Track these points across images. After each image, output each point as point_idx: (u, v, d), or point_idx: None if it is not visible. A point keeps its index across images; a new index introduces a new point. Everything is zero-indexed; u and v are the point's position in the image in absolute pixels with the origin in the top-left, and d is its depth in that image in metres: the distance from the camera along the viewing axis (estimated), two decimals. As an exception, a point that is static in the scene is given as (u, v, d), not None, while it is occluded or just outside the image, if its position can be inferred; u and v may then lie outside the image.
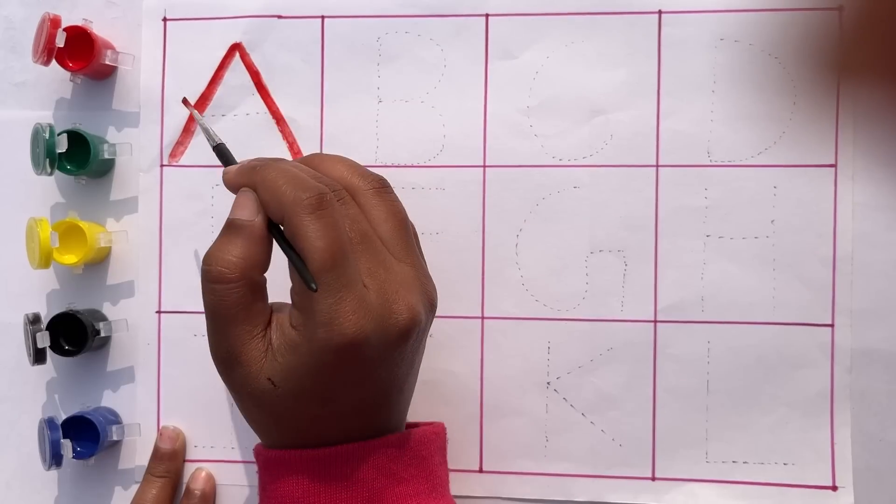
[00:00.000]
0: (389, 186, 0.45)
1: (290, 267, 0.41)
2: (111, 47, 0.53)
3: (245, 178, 0.43)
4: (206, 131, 0.48)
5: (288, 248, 0.41)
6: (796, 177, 0.50)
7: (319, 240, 0.39)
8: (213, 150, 0.47)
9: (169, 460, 0.52)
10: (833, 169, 0.50)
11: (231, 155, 0.47)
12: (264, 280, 0.42)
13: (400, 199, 0.45)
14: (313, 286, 0.39)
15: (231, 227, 0.42)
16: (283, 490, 0.42)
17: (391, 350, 0.41)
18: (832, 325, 0.50)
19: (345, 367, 0.40)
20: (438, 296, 0.50)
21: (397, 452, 0.43)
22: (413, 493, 0.43)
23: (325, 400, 0.41)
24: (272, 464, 0.43)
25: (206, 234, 0.53)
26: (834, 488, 0.50)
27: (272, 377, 0.41)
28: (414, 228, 0.46)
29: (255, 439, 0.49)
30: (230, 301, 0.41)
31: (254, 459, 0.46)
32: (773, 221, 0.51)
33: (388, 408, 0.44)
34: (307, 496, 0.42)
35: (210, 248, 0.42)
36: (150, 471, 0.52)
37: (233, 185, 0.44)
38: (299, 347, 0.40)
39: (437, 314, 0.52)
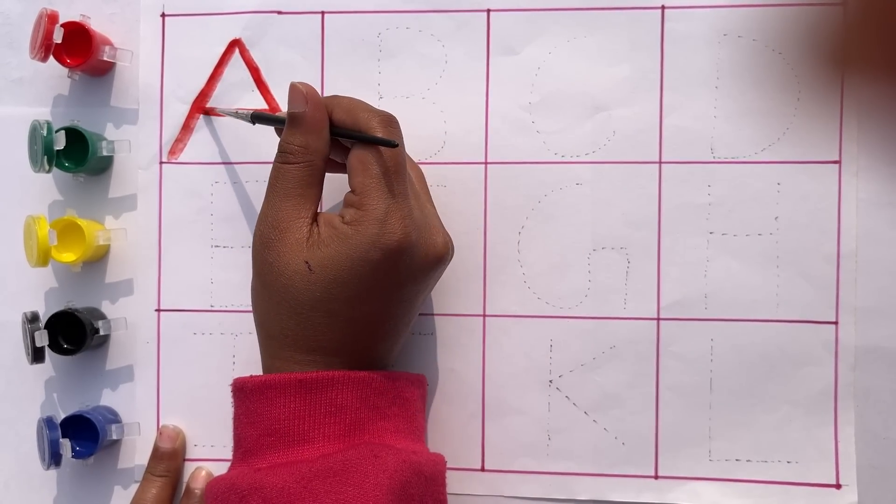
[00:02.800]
0: (394, 123, 0.48)
1: (349, 172, 0.44)
2: (109, 43, 0.53)
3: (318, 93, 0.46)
4: (233, 113, 0.51)
5: (358, 133, 0.44)
6: (800, 173, 0.50)
7: (401, 151, 0.44)
8: (253, 120, 0.49)
9: (169, 459, 0.52)
10: (837, 165, 0.50)
11: (268, 114, 0.50)
12: (323, 167, 0.45)
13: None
14: (395, 143, 0.43)
15: (291, 119, 0.45)
16: (270, 413, 0.43)
17: (423, 270, 0.45)
18: (836, 323, 0.50)
19: (382, 269, 0.43)
20: (439, 294, 0.50)
21: (382, 388, 0.45)
22: (394, 430, 0.45)
23: (350, 299, 0.43)
24: (259, 388, 0.44)
25: (206, 231, 0.53)
26: (837, 486, 0.50)
27: (310, 261, 0.43)
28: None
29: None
30: (289, 176, 0.44)
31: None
32: (776, 218, 0.50)
33: (387, 339, 0.46)
34: (293, 418, 0.43)
35: (282, 135, 0.46)
36: (149, 470, 0.52)
37: (302, 94, 0.45)
38: (349, 239, 0.43)
39: (438, 312, 0.53)
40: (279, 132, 0.47)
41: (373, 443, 0.43)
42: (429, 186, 0.51)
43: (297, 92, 0.45)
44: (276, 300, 0.44)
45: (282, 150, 0.45)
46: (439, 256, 0.45)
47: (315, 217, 0.45)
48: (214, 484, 0.44)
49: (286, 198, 0.44)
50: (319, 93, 0.46)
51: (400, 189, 0.44)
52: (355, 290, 0.43)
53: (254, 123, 0.49)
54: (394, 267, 0.43)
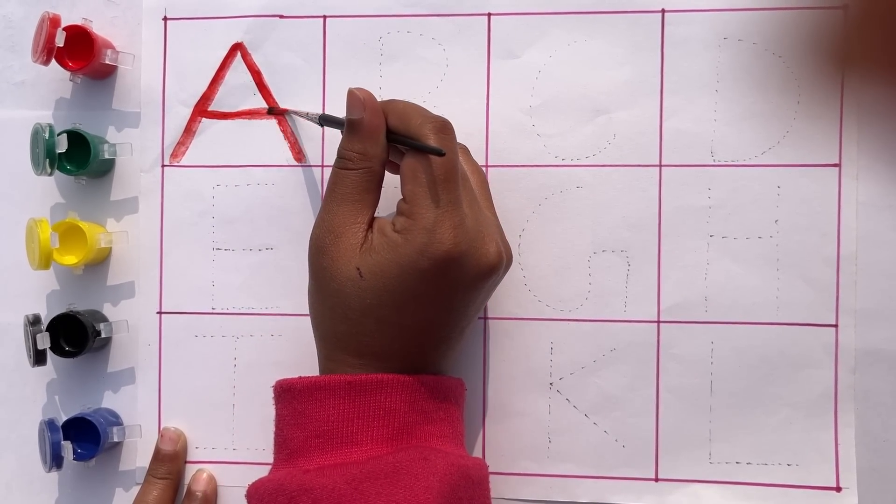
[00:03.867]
0: (468, 151, 0.50)
1: (401, 179, 0.44)
2: (111, 47, 0.53)
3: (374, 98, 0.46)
4: (304, 115, 0.51)
5: (408, 139, 0.44)
6: (800, 176, 0.50)
7: (453, 157, 0.43)
8: (321, 122, 0.50)
9: (170, 462, 0.52)
10: (837, 168, 0.50)
11: (335, 117, 0.49)
12: (381, 172, 0.45)
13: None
14: (442, 151, 0.43)
15: (349, 125, 0.45)
16: (319, 414, 0.43)
17: (475, 280, 0.44)
18: (836, 326, 0.50)
19: (431, 278, 0.43)
20: None
21: (430, 393, 0.45)
22: (440, 434, 0.45)
23: (400, 306, 0.43)
24: (308, 389, 0.44)
25: (207, 234, 0.53)
26: (838, 489, 0.50)
27: (361, 268, 0.43)
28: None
29: (255, 440, 0.49)
30: (347, 182, 0.44)
31: (266, 461, 0.45)
32: (776, 221, 0.50)
33: (439, 345, 0.46)
34: (342, 420, 0.43)
35: (341, 141, 0.45)
36: (151, 472, 0.52)
37: (360, 100, 0.45)
38: (399, 248, 0.43)
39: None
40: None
41: (422, 446, 0.43)
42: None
43: (355, 98, 0.45)
44: (328, 304, 0.44)
45: (340, 156, 0.45)
46: (491, 266, 0.44)
47: (371, 223, 0.45)
48: (259, 486, 0.44)
49: (343, 203, 0.44)
50: (376, 98, 0.45)
51: (450, 197, 0.43)
52: (404, 297, 0.43)
53: (322, 125, 0.50)
54: (443, 276, 0.43)
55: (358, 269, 0.43)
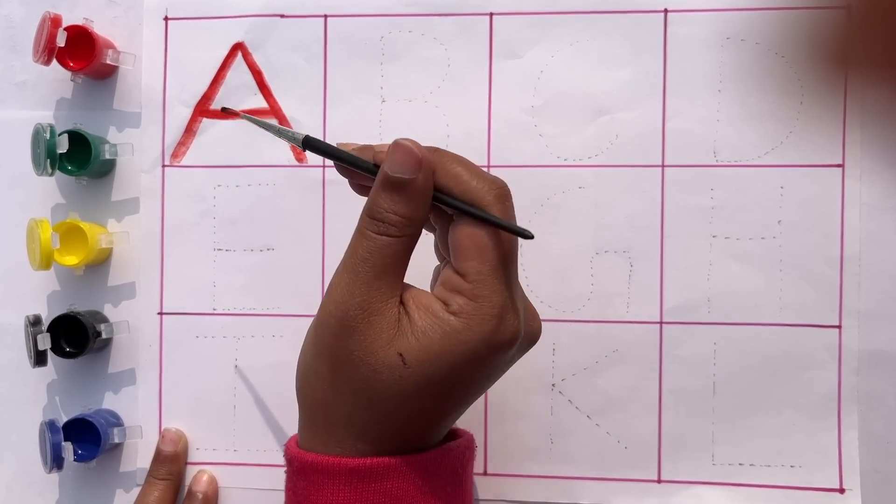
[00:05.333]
0: (510, 196, 0.41)
1: (456, 250, 0.39)
2: (112, 47, 0.53)
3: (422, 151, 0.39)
4: (270, 128, 0.41)
5: (484, 214, 0.38)
6: (803, 177, 0.50)
7: (516, 236, 0.38)
8: (304, 145, 0.41)
9: (171, 463, 0.52)
10: (840, 169, 0.50)
11: (323, 142, 0.41)
12: (417, 240, 0.39)
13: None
14: (531, 234, 0.38)
15: (396, 185, 0.38)
16: (318, 499, 0.39)
17: (511, 361, 0.40)
18: (839, 327, 0.50)
19: (488, 364, 0.38)
20: None
21: (438, 470, 0.40)
22: None
23: (446, 395, 0.39)
24: (310, 469, 0.40)
25: (208, 234, 0.53)
26: (841, 491, 0.50)
27: (404, 354, 0.37)
28: None
29: (256, 441, 0.49)
30: (387, 251, 0.38)
31: (266, 462, 0.44)
32: (779, 222, 0.50)
33: (454, 419, 0.42)
34: None
35: (373, 197, 0.39)
36: (151, 473, 0.52)
37: (417, 157, 0.38)
38: (457, 334, 0.37)
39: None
40: (342, 171, 0.41)
41: None
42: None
43: (410, 155, 0.38)
44: (350, 390, 0.38)
45: (378, 219, 0.38)
46: (534, 342, 0.40)
47: (401, 296, 0.39)
48: None
49: (380, 276, 0.38)
50: (420, 148, 0.39)
51: (515, 279, 0.39)
52: (452, 386, 0.38)
53: (304, 150, 0.42)
54: (499, 361, 0.39)
55: (400, 355, 0.37)
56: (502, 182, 0.39)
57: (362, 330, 0.38)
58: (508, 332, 0.38)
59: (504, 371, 0.41)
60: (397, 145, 0.38)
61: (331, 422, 0.40)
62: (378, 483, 0.39)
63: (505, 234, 0.38)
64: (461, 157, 0.40)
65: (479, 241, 0.38)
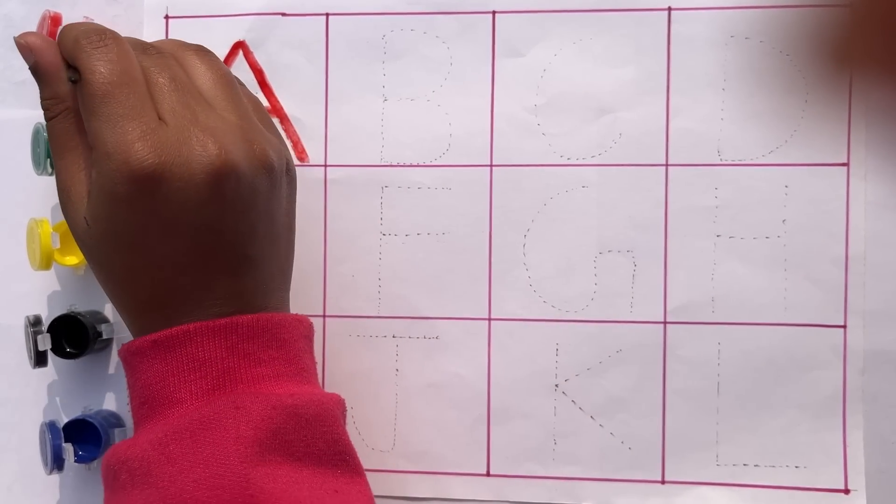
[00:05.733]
0: (213, 53, 0.44)
1: None
2: (112, 45, 0.53)
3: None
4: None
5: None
6: (808, 176, 0.50)
7: (96, 71, 0.40)
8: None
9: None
10: (845, 168, 0.50)
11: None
12: (76, 112, 0.42)
13: (405, 198, 0.44)
14: (73, 77, 0.41)
15: (33, 75, 0.42)
16: (137, 381, 0.41)
17: (199, 191, 0.39)
18: (844, 327, 0.50)
19: (141, 203, 0.39)
20: (443, 297, 0.48)
21: (251, 332, 0.41)
22: (272, 375, 0.41)
23: (133, 245, 0.40)
24: (126, 354, 0.42)
25: (209, 234, 0.53)
26: (846, 491, 0.50)
27: (86, 216, 0.40)
28: (254, 98, 0.47)
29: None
30: (55, 132, 0.42)
31: None
32: (784, 221, 0.50)
33: (229, 277, 0.41)
34: (157, 383, 0.40)
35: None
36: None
37: (25, 45, 0.43)
38: (97, 183, 0.40)
39: (442, 315, 0.52)
40: None
41: (240, 392, 0.40)
42: (433, 189, 0.51)
43: (20, 46, 0.42)
44: (89, 264, 0.42)
45: (42, 108, 0.42)
46: (212, 172, 0.39)
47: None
48: (102, 460, 0.42)
49: (62, 155, 0.42)
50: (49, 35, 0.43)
51: (130, 104, 0.39)
52: (129, 233, 0.40)
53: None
54: (152, 193, 0.39)
55: (85, 218, 0.40)
56: (95, 27, 0.41)
57: (67, 208, 0.41)
58: (131, 161, 0.38)
59: (200, 210, 0.40)
60: (15, 43, 0.42)
61: (118, 306, 0.43)
62: (183, 348, 0.40)
63: (85, 71, 0.40)
64: (76, 23, 0.42)
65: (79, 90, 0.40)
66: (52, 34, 0.50)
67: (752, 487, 0.50)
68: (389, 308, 0.52)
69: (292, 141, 0.52)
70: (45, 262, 0.50)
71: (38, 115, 0.53)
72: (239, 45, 0.53)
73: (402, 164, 0.52)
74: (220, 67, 0.44)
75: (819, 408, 0.50)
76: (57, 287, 0.54)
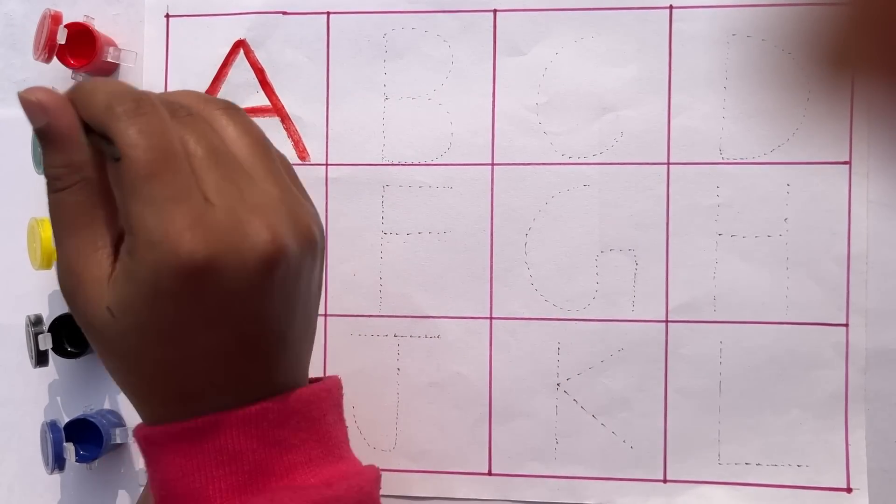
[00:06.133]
0: (241, 109, 0.39)
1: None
2: (113, 44, 0.53)
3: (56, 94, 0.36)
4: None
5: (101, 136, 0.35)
6: (810, 174, 0.50)
7: (139, 146, 0.34)
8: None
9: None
10: (847, 166, 0.50)
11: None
12: (100, 178, 0.36)
13: (407, 198, 0.43)
14: (116, 155, 0.34)
15: (40, 138, 0.36)
16: (160, 472, 0.36)
17: (252, 281, 0.35)
18: (846, 325, 0.49)
19: (188, 297, 0.34)
20: (444, 297, 0.48)
21: (282, 417, 0.37)
22: (305, 461, 0.37)
23: (172, 339, 0.35)
24: (143, 442, 0.37)
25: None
26: (848, 490, 0.49)
27: (111, 306, 0.34)
28: (283, 157, 0.40)
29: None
30: (65, 205, 0.35)
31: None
32: (786, 220, 0.50)
33: (264, 361, 0.37)
34: (183, 476, 0.36)
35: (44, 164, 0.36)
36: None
37: (35, 103, 0.36)
38: (134, 273, 0.34)
39: (444, 315, 0.52)
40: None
41: (272, 488, 0.36)
42: (434, 188, 0.51)
43: (29, 104, 0.35)
44: (105, 359, 0.37)
45: (48, 177, 0.36)
46: (266, 260, 0.35)
47: (118, 245, 0.36)
48: None
49: (72, 233, 0.35)
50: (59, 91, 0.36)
51: (176, 187, 0.34)
52: (168, 329, 0.35)
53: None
54: (201, 287, 0.34)
55: (108, 308, 0.35)
56: (136, 93, 0.35)
57: (77, 293, 0.35)
58: (181, 253, 0.33)
59: (241, 303, 0.35)
60: (20, 99, 0.35)
61: (133, 396, 0.37)
62: (211, 441, 0.36)
63: (124, 146, 0.34)
64: (99, 80, 0.36)
65: (113, 167, 0.34)
66: (52, 32, 0.50)
67: (754, 486, 0.50)
68: (391, 307, 0.52)
69: (293, 140, 0.52)
70: (46, 261, 0.50)
71: (38, 115, 0.53)
72: (240, 44, 0.53)
73: (403, 162, 0.52)
74: (253, 129, 0.38)
75: (821, 407, 0.50)
76: (57, 287, 0.54)
